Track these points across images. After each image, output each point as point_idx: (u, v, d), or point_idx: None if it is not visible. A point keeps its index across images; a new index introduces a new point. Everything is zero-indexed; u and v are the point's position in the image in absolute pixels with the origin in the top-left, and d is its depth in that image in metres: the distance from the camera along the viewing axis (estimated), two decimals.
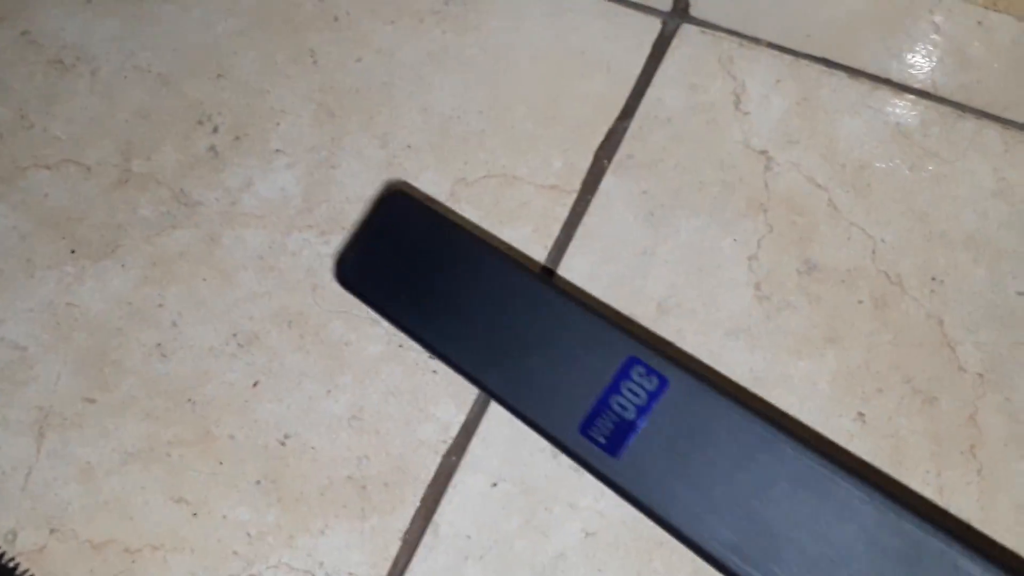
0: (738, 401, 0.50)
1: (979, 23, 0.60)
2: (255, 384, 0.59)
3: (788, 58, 0.65)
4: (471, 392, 0.58)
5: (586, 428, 0.51)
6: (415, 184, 0.64)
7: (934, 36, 0.62)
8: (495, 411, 0.58)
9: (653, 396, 0.50)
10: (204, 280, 0.62)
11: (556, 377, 0.52)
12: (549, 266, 0.61)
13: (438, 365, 0.59)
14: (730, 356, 0.58)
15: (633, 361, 0.51)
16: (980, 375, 0.57)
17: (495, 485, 0.56)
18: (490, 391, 0.54)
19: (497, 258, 0.56)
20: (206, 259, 0.62)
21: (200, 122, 0.67)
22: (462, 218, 0.63)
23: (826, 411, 0.56)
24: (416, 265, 0.57)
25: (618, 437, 0.50)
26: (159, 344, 0.61)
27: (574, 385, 0.52)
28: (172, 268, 0.62)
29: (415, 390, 0.59)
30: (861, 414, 0.56)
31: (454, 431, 0.58)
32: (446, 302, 0.56)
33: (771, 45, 0.66)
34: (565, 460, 0.56)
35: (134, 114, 0.67)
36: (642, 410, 0.50)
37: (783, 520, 0.47)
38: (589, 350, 0.52)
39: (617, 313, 0.60)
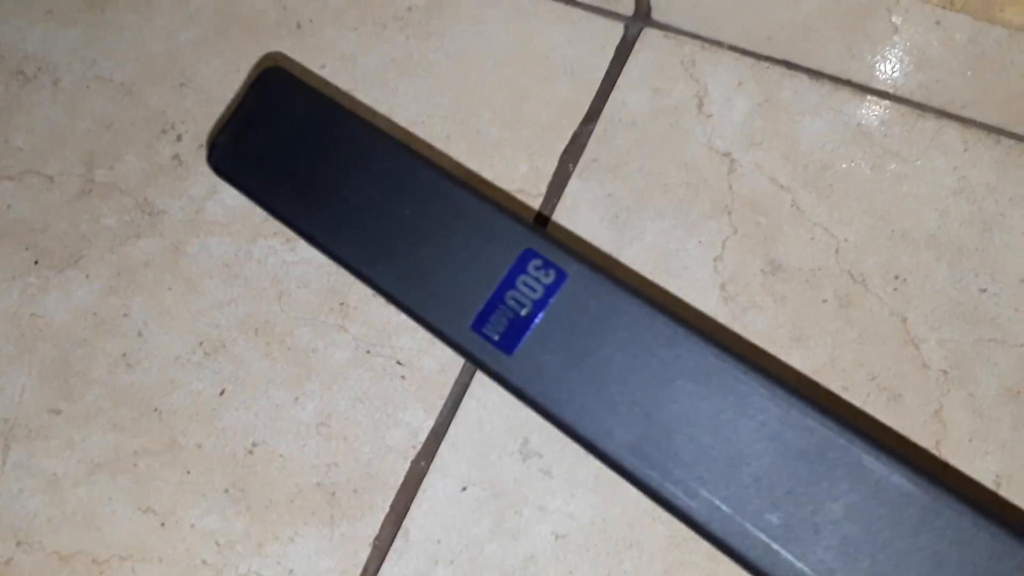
0: (639, 294, 0.48)
1: (937, 23, 0.61)
2: (222, 392, 0.59)
3: (750, 60, 0.66)
4: (440, 397, 0.58)
5: (479, 325, 0.49)
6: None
7: (893, 37, 0.63)
8: (464, 416, 0.58)
9: (550, 290, 0.48)
10: (169, 289, 0.62)
11: (447, 271, 0.50)
12: None
13: (406, 371, 0.59)
14: None
15: (530, 254, 0.49)
16: (944, 372, 0.57)
17: (464, 489, 0.56)
18: (376, 285, 0.52)
19: (385, 142, 0.53)
20: (171, 268, 0.62)
21: (163, 131, 0.66)
22: (350, 98, 0.63)
23: None
24: (297, 149, 0.54)
25: (512, 334, 0.48)
26: (125, 354, 0.60)
27: (467, 279, 0.49)
28: (137, 277, 0.62)
29: (383, 396, 0.59)
30: None
31: (423, 436, 0.58)
32: (329, 189, 0.53)
33: (733, 48, 0.67)
34: (534, 463, 0.56)
35: (97, 123, 0.67)
36: (538, 305, 0.48)
37: (682, 418, 0.46)
38: (483, 242, 0.50)
39: (514, 202, 0.60)
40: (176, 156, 0.65)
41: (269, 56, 0.64)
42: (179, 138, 0.66)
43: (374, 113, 0.66)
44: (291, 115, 0.55)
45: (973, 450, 0.55)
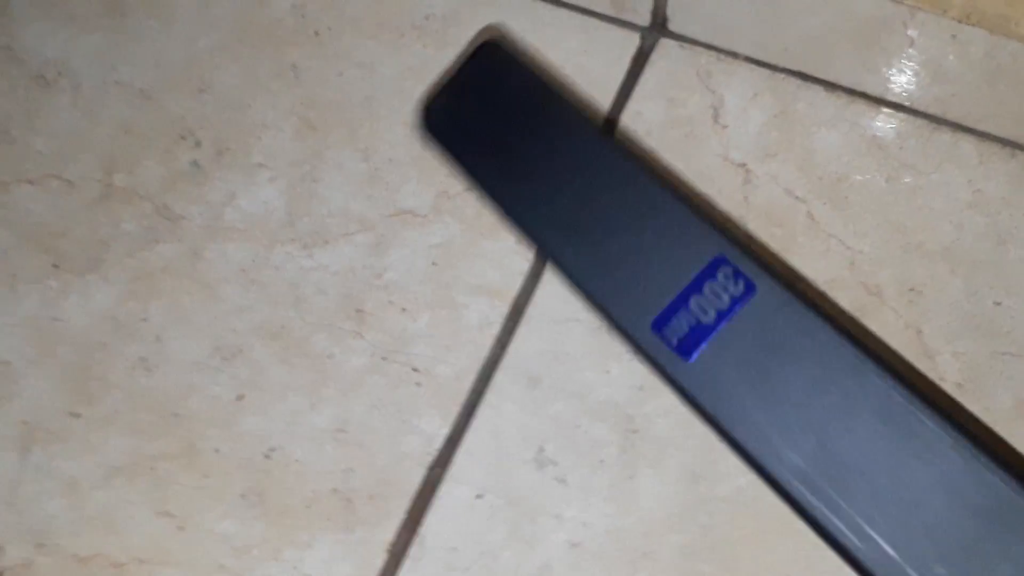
0: (829, 319, 0.46)
1: (953, 36, 0.61)
2: (239, 398, 0.59)
3: (765, 72, 0.66)
4: (456, 404, 0.59)
5: (660, 325, 0.47)
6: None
7: (909, 50, 0.63)
8: (479, 423, 0.58)
9: (737, 301, 0.47)
10: (188, 294, 0.62)
11: (635, 265, 0.49)
12: (532, 278, 0.61)
13: (422, 377, 0.59)
14: None
15: (720, 261, 0.48)
16: (959, 384, 0.57)
17: (480, 497, 0.57)
18: (564, 268, 0.51)
19: (592, 134, 0.54)
20: (189, 273, 0.63)
21: (182, 136, 0.67)
22: (564, 83, 0.65)
23: None
24: (505, 124, 0.54)
25: (692, 340, 0.47)
26: (143, 358, 0.61)
27: (653, 277, 0.48)
28: (155, 282, 0.63)
29: (399, 403, 0.59)
30: None
31: (439, 443, 0.58)
32: (530, 168, 0.53)
33: (748, 59, 0.67)
34: (550, 471, 0.57)
35: (116, 129, 0.67)
36: (722, 315, 0.46)
37: (859, 453, 0.44)
38: (675, 242, 0.49)
39: (712, 207, 0.61)
40: (195, 162, 0.66)
41: (489, 27, 0.65)
42: (198, 144, 0.66)
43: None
44: (503, 91, 0.56)
45: None
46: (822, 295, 0.59)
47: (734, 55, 0.67)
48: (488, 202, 0.55)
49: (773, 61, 0.66)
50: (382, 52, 0.69)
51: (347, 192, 0.65)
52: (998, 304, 0.59)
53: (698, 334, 0.47)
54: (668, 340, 0.47)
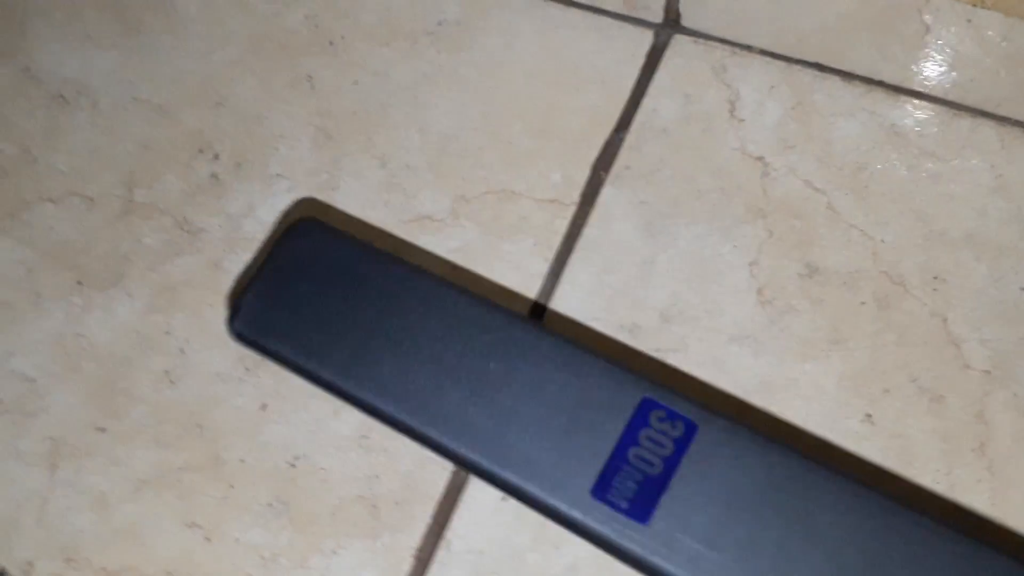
0: (782, 444, 0.43)
1: (968, 21, 0.60)
2: (263, 407, 0.59)
3: (781, 64, 0.66)
4: None
5: (601, 491, 0.42)
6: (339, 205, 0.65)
7: (925, 36, 0.62)
8: None
9: (681, 443, 0.42)
10: (210, 306, 0.62)
11: (549, 431, 0.43)
12: (551, 278, 0.61)
13: None
14: (735, 362, 0.58)
15: (649, 404, 0.43)
16: (987, 372, 0.57)
17: (505, 499, 0.56)
18: (464, 462, 0.45)
19: (445, 288, 0.48)
20: (211, 285, 0.63)
21: (200, 150, 0.67)
22: (392, 247, 0.61)
23: (833, 414, 0.56)
24: (346, 311, 0.47)
25: (644, 498, 0.41)
26: (167, 371, 0.61)
27: (578, 441, 0.42)
28: (177, 295, 0.63)
29: None
30: (869, 415, 0.56)
31: None
32: (383, 348, 0.46)
33: (763, 52, 0.66)
34: None
35: (135, 145, 0.68)
36: (670, 462, 0.41)
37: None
38: (590, 395, 0.44)
39: (619, 347, 0.60)
40: (214, 175, 0.66)
41: (302, 202, 0.64)
42: (216, 157, 0.67)
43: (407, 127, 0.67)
44: (327, 268, 0.49)
45: (1019, 450, 0.55)
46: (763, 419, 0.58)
47: (749, 48, 0.67)
48: (357, 407, 0.48)
49: (788, 53, 0.66)
50: (396, 59, 0.70)
51: (365, 199, 0.65)
52: (1023, 290, 0.58)
53: (650, 490, 0.41)
54: (616, 504, 0.41)
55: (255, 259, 0.58)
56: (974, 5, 0.59)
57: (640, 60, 0.68)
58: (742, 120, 0.64)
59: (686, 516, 0.41)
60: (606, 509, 0.42)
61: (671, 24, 0.69)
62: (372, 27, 0.71)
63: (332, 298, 0.49)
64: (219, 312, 0.62)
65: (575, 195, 0.64)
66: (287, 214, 0.64)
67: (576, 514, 0.42)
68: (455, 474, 0.57)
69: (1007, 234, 0.59)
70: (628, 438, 0.42)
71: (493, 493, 0.56)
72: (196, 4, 0.73)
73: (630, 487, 0.42)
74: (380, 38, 0.70)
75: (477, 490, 0.57)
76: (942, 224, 0.60)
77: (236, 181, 0.66)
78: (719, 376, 0.58)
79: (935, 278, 0.59)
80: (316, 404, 0.59)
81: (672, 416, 0.43)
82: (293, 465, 0.58)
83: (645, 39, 0.69)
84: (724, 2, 0.66)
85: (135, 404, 0.60)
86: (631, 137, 0.65)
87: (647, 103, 0.66)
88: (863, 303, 0.59)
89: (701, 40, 0.68)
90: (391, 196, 0.65)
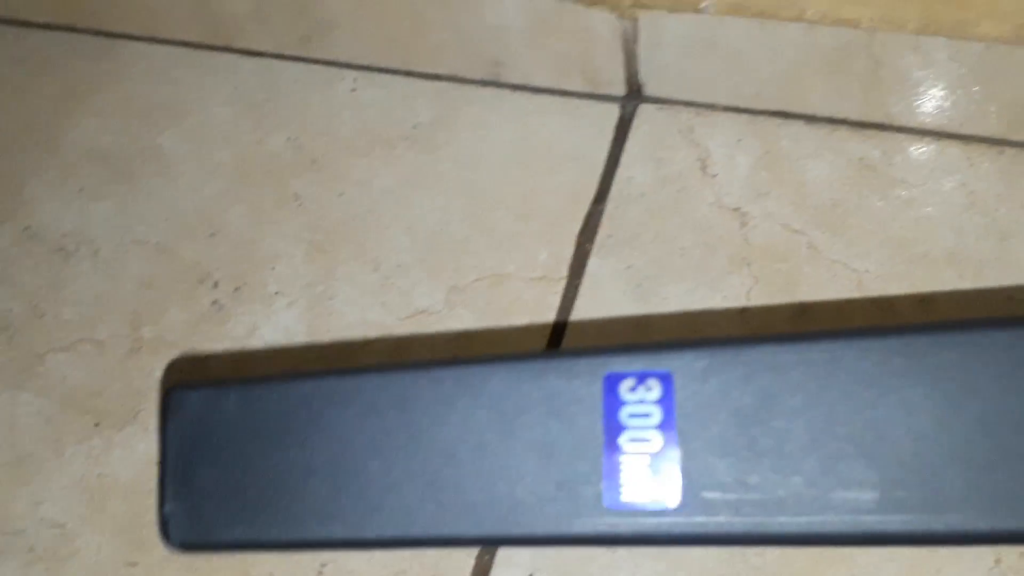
0: (770, 339, 0.38)
1: (915, 49, 0.62)
2: None
3: (745, 117, 0.68)
4: None
5: (614, 498, 0.37)
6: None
7: (877, 71, 0.64)
8: None
9: (666, 403, 0.37)
10: None
11: (532, 471, 0.38)
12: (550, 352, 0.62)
13: None
14: None
15: (614, 378, 0.38)
16: None
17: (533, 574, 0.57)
18: (464, 542, 0.41)
19: (358, 383, 0.42)
20: None
21: (200, 280, 0.70)
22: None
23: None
24: (274, 461, 0.41)
25: (661, 480, 0.37)
26: None
27: (562, 461, 0.38)
28: None
29: None
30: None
31: None
32: (335, 479, 0.41)
33: (726, 108, 0.68)
34: None
35: (138, 285, 0.70)
36: (667, 426, 0.37)
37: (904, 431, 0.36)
38: (549, 408, 0.38)
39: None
40: (215, 302, 0.68)
41: (174, 364, 0.65)
42: (216, 285, 0.69)
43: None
44: (229, 427, 0.43)
45: None
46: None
47: (712, 107, 0.69)
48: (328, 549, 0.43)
49: (750, 105, 0.68)
50: (377, 166, 0.72)
51: (363, 304, 0.67)
52: (1011, 298, 0.59)
53: (661, 469, 0.37)
54: (637, 503, 0.37)
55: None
56: (918, 33, 0.61)
57: (610, 133, 0.70)
58: (715, 175, 0.66)
59: (709, 472, 0.36)
60: (629, 512, 0.37)
61: (634, 95, 0.71)
62: (351, 140, 0.73)
63: (255, 456, 0.42)
64: None
65: (563, 270, 0.65)
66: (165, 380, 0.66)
67: (604, 530, 0.37)
68: (479, 558, 0.58)
69: (986, 247, 0.60)
70: (611, 428, 0.37)
71: (519, 572, 0.57)
72: (183, 144, 0.76)
73: (641, 478, 0.37)
74: (360, 149, 0.73)
75: (503, 571, 0.57)
76: (922, 247, 0.61)
77: (237, 305, 0.68)
78: None
79: (923, 300, 0.60)
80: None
81: (641, 378, 0.38)
82: (321, 572, 0.59)
83: (612, 113, 0.71)
84: (681, 67, 0.68)
85: None
86: (610, 207, 0.67)
87: (621, 172, 0.68)
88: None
89: (665, 106, 0.70)
90: (387, 296, 0.66)
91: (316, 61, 0.77)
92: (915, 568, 0.53)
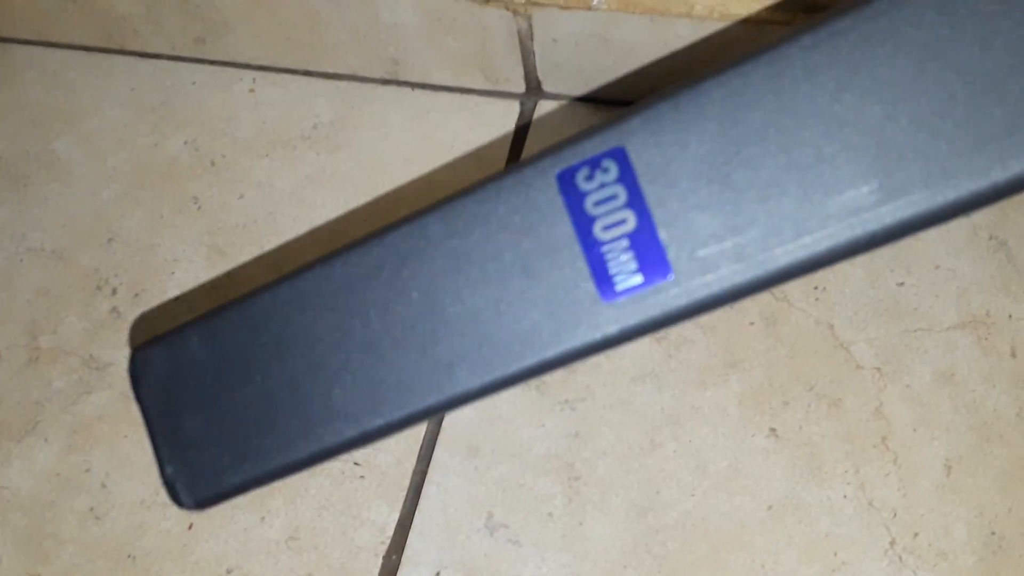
0: (713, 73, 0.35)
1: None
2: (190, 527, 0.60)
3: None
4: (401, 489, 0.60)
5: (607, 290, 0.35)
6: None
7: None
8: (427, 502, 0.59)
9: (627, 177, 0.35)
10: (125, 437, 0.63)
11: (516, 294, 0.36)
12: None
13: (364, 470, 0.60)
14: (640, 400, 0.60)
15: (566, 174, 0.36)
16: (877, 369, 0.59)
17: (439, 574, 0.57)
18: (467, 394, 0.38)
19: (305, 278, 0.40)
20: (124, 416, 0.64)
21: (99, 287, 0.69)
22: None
23: (740, 434, 0.58)
24: (252, 387, 0.40)
25: (648, 256, 0.35)
26: (92, 508, 0.61)
27: (543, 272, 0.36)
28: (93, 432, 0.64)
29: (346, 498, 0.60)
30: (773, 429, 0.58)
31: (390, 530, 0.59)
32: (321, 379, 0.39)
33: (622, 103, 0.69)
34: (501, 535, 0.57)
35: (35, 293, 0.69)
36: (635, 202, 0.35)
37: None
38: (511, 226, 0.36)
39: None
40: (114, 309, 0.67)
41: (135, 326, 0.66)
42: (114, 291, 0.68)
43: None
44: (199, 371, 0.42)
45: (919, 439, 0.57)
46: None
47: (609, 102, 0.70)
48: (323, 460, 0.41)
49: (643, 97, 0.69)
50: (278, 167, 0.72)
51: None
52: (901, 284, 0.60)
53: (645, 246, 0.35)
54: (632, 288, 0.34)
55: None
56: None
57: (510, 130, 0.70)
58: None
59: (695, 229, 0.34)
60: (627, 300, 0.34)
61: (534, 91, 0.71)
62: (250, 141, 0.73)
63: (233, 387, 0.41)
64: (135, 441, 0.63)
65: None
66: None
67: (611, 331, 0.35)
68: (386, 558, 0.58)
69: None
70: (581, 224, 0.35)
71: (426, 570, 0.57)
72: (77, 149, 0.74)
73: (628, 262, 0.35)
74: (259, 150, 0.72)
75: (411, 569, 0.57)
76: None
77: (135, 311, 0.67)
78: (627, 416, 0.59)
79: (815, 288, 0.61)
80: (241, 515, 0.60)
81: (593, 164, 0.36)
82: None
83: (512, 109, 0.71)
84: (578, 63, 0.69)
85: (64, 546, 0.61)
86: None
87: None
88: (752, 323, 0.61)
89: (564, 101, 0.71)
90: None
91: (212, 62, 0.76)
92: (812, 551, 0.54)
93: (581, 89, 0.70)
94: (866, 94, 0.34)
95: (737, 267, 0.34)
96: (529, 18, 0.65)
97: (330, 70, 0.74)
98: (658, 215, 0.34)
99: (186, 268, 0.68)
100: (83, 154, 0.74)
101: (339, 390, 0.39)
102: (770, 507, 0.56)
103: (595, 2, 0.62)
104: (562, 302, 0.35)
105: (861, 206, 0.34)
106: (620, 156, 0.35)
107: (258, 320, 0.41)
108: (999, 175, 0.33)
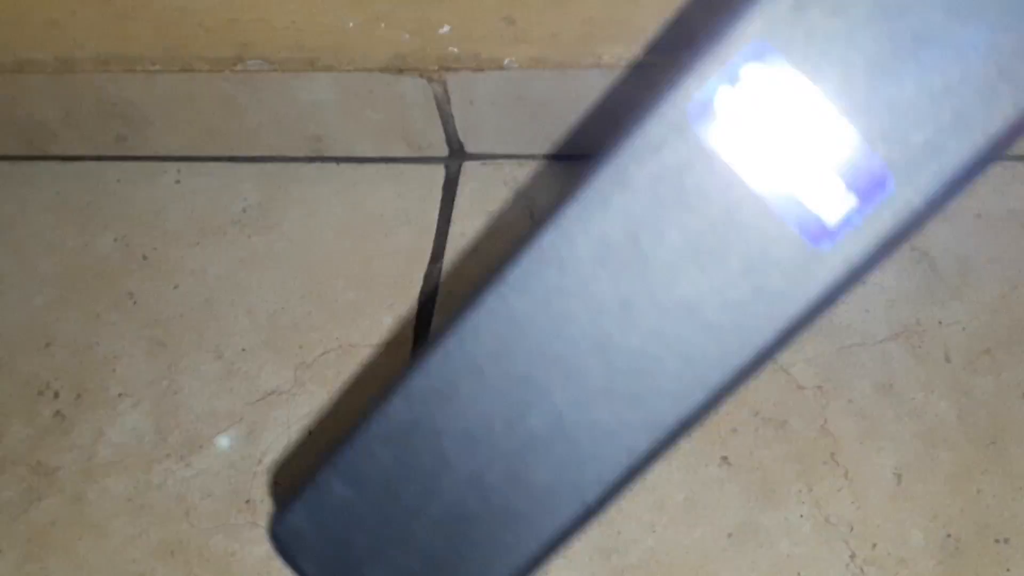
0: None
1: None
2: None
3: (563, 163, 0.70)
4: None
5: (815, 232, 0.23)
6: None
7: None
8: None
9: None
10: (79, 540, 0.62)
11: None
12: None
13: None
14: None
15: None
16: (819, 387, 0.60)
17: None
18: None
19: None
20: (77, 520, 0.63)
21: (40, 392, 0.68)
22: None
23: (692, 464, 0.58)
24: (394, 513, 0.30)
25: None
26: None
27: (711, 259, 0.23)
28: (47, 539, 0.63)
29: None
30: (724, 457, 0.58)
31: None
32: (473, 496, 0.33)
33: (545, 156, 0.71)
34: None
35: None
36: None
37: None
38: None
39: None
40: (57, 412, 0.67)
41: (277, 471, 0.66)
42: (56, 395, 0.67)
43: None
44: (340, 520, 0.35)
45: (866, 451, 0.58)
46: None
47: (532, 157, 0.71)
48: None
49: (565, 151, 0.70)
50: (210, 254, 0.72)
51: (209, 393, 0.66)
52: None
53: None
54: (847, 221, 0.23)
55: None
56: None
57: (438, 193, 0.71)
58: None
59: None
60: (847, 233, 0.24)
61: (457, 154, 0.73)
62: (180, 231, 0.73)
63: (398, 523, 0.34)
64: (91, 544, 0.62)
65: (409, 332, 0.66)
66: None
67: (842, 270, 0.24)
68: None
69: None
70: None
71: None
72: (7, 257, 0.74)
73: (826, 186, 0.24)
74: (190, 239, 0.73)
75: None
76: None
77: (80, 412, 0.67)
78: None
79: None
80: None
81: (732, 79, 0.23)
82: None
83: (437, 173, 0.72)
84: (496, 122, 0.70)
85: None
86: (447, 264, 0.68)
87: (455, 229, 0.69)
88: None
89: (488, 160, 0.72)
90: (233, 383, 0.66)
91: (136, 158, 0.76)
92: (776, 574, 0.55)
93: (503, 147, 0.72)
94: None
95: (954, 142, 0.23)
96: (444, 83, 0.66)
97: (254, 153, 0.75)
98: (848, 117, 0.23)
99: (127, 363, 0.68)
100: (12, 263, 0.74)
101: (508, 497, 0.28)
102: (730, 535, 0.56)
103: (506, 61, 0.64)
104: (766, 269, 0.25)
105: None
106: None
107: (396, 433, 0.32)
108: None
